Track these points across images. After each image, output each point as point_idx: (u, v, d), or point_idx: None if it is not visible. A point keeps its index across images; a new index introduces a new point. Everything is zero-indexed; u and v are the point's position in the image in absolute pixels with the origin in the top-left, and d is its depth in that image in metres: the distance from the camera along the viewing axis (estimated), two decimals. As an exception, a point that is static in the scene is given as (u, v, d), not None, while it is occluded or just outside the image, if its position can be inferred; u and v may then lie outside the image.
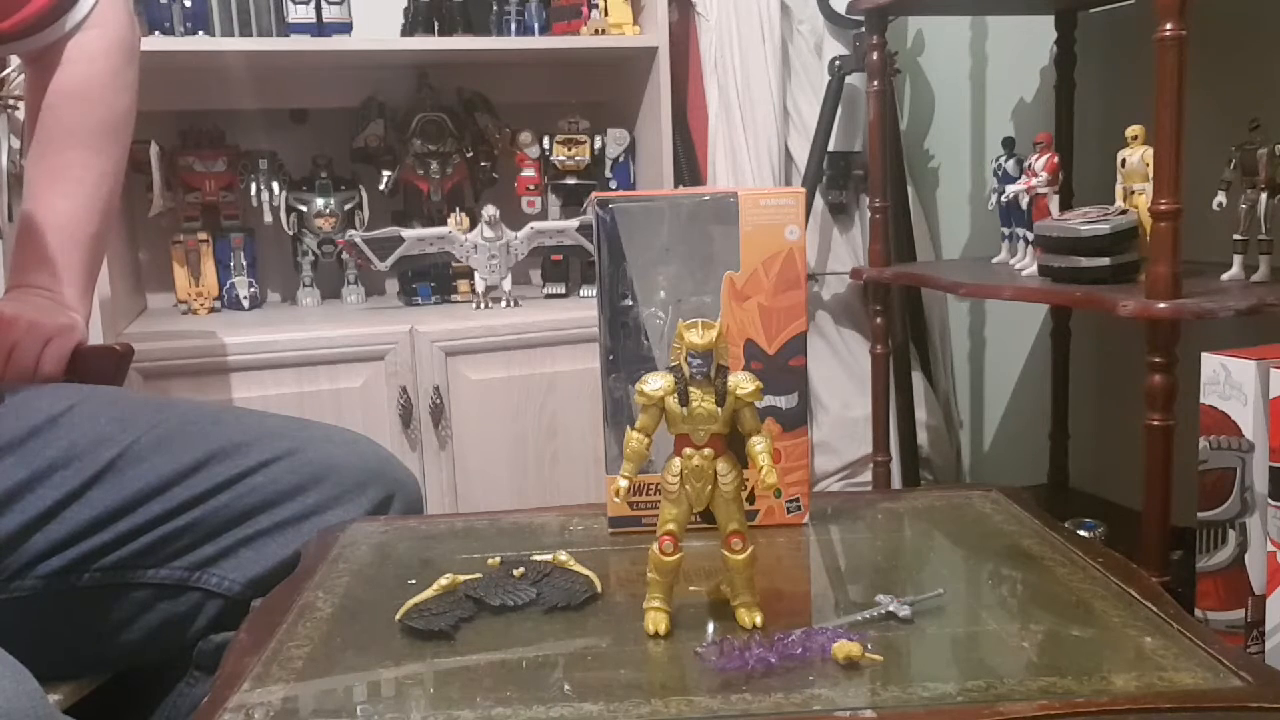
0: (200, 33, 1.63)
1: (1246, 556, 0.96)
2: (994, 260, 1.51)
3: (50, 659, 0.77)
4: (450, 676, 0.59)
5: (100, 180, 1.04)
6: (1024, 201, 1.41)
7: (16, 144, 1.42)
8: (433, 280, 1.81)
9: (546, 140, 1.84)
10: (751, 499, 0.78)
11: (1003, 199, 1.44)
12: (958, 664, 0.60)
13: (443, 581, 0.68)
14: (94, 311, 1.52)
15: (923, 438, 1.95)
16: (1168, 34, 1.03)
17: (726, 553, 0.63)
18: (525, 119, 1.88)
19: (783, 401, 0.81)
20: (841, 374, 2.01)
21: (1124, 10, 1.55)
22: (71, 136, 1.03)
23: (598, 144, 1.85)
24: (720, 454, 0.63)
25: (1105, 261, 1.21)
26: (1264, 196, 1.13)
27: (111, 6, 1.06)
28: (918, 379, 1.96)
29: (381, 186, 1.84)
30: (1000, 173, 1.46)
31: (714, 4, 1.92)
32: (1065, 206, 1.45)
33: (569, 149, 1.83)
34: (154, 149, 1.68)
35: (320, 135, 1.89)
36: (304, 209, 1.80)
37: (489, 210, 1.70)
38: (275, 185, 1.78)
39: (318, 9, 1.66)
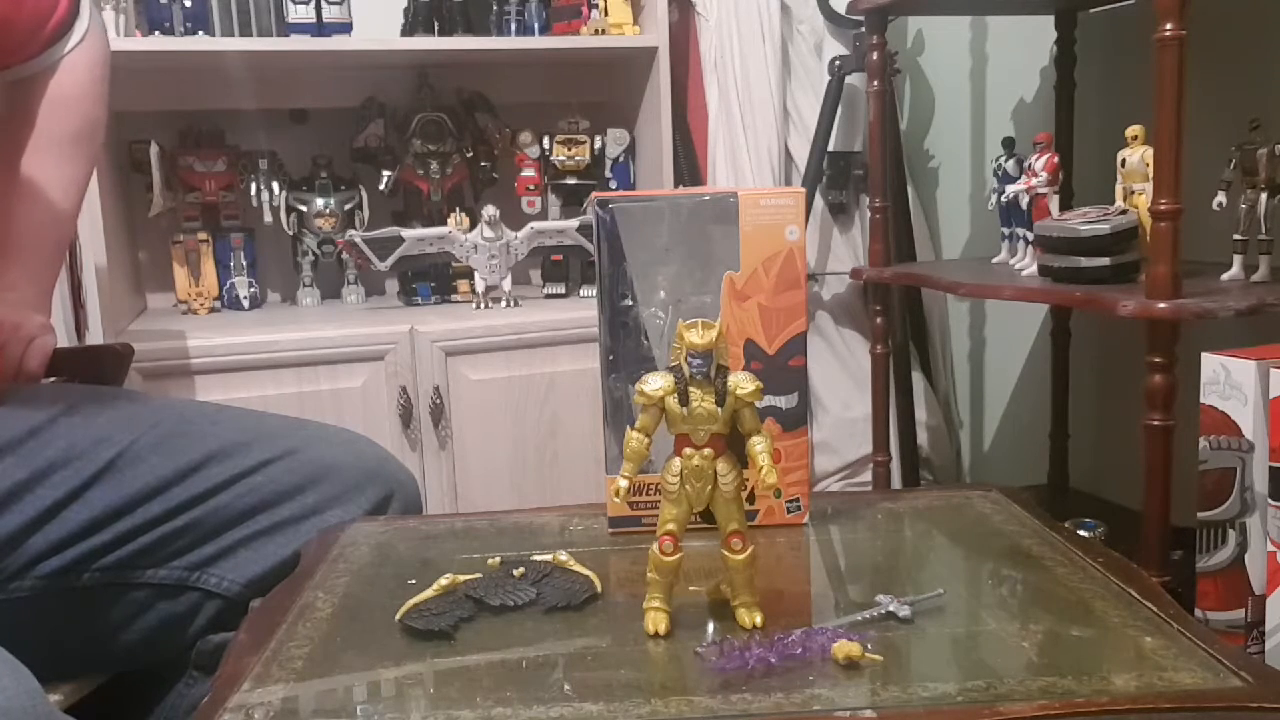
0: (200, 33, 1.63)
1: (1246, 556, 0.96)
2: (994, 260, 1.51)
3: (50, 659, 0.76)
4: (450, 676, 0.59)
5: (70, 187, 1.05)
6: (1024, 201, 1.40)
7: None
8: (433, 280, 1.81)
9: (546, 140, 1.84)
10: (751, 499, 0.78)
11: (1003, 199, 1.44)
12: (958, 664, 0.60)
13: (443, 581, 0.68)
14: (94, 312, 1.53)
15: (923, 438, 1.95)
16: (1168, 34, 1.03)
17: (726, 553, 0.63)
18: (525, 119, 1.88)
19: (783, 401, 0.81)
20: (841, 374, 2.01)
21: (1124, 10, 1.55)
22: (47, 142, 1.04)
23: (598, 144, 1.85)
24: (720, 454, 0.63)
25: (1105, 261, 1.21)
26: (1264, 196, 1.13)
27: (95, 22, 1.07)
28: (918, 379, 1.96)
29: (381, 186, 1.84)
30: (1000, 173, 1.46)
31: (714, 4, 1.92)
32: (1065, 206, 1.45)
33: (569, 149, 1.83)
34: (154, 149, 1.68)
35: (320, 135, 1.89)
36: (304, 209, 1.80)
37: (489, 210, 1.70)
38: (275, 185, 1.78)
39: (318, 9, 1.66)
